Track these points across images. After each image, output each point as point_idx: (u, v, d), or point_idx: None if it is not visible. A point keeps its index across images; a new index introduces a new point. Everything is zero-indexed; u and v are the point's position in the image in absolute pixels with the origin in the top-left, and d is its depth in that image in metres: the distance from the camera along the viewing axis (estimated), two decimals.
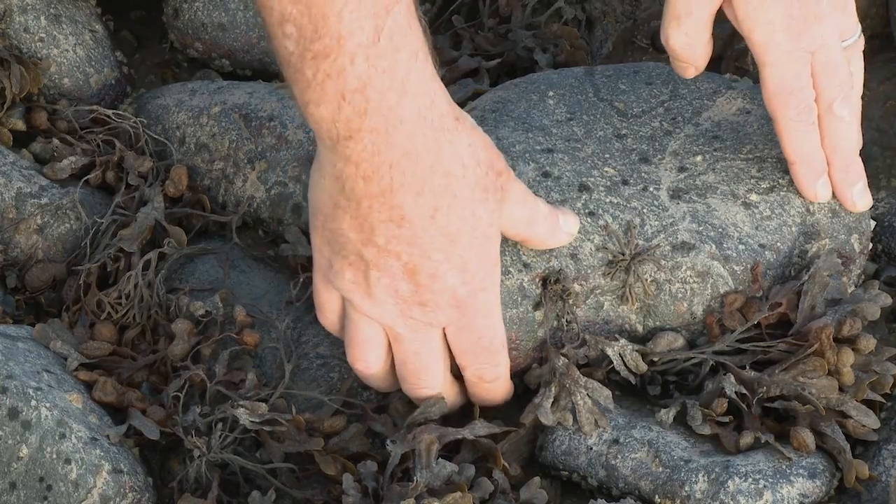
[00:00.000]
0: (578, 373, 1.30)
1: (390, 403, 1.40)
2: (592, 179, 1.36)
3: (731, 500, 1.28)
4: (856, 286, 1.41)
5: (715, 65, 1.74)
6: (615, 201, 1.35)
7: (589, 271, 1.31)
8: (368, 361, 1.30)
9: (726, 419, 1.32)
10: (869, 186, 1.42)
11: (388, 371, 1.33)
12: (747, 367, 1.32)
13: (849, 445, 1.30)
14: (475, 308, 1.25)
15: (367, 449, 1.36)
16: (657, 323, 1.33)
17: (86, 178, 1.58)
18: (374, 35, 1.12)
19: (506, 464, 1.33)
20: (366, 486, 1.30)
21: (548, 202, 1.31)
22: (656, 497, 1.31)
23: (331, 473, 1.32)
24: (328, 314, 1.32)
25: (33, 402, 1.33)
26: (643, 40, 1.78)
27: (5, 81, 1.61)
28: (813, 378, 1.29)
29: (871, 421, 1.31)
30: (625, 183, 1.36)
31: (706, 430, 1.30)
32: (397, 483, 1.30)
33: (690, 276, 1.33)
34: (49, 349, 1.42)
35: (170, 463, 1.39)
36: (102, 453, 1.32)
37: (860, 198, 1.39)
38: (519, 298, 1.31)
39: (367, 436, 1.37)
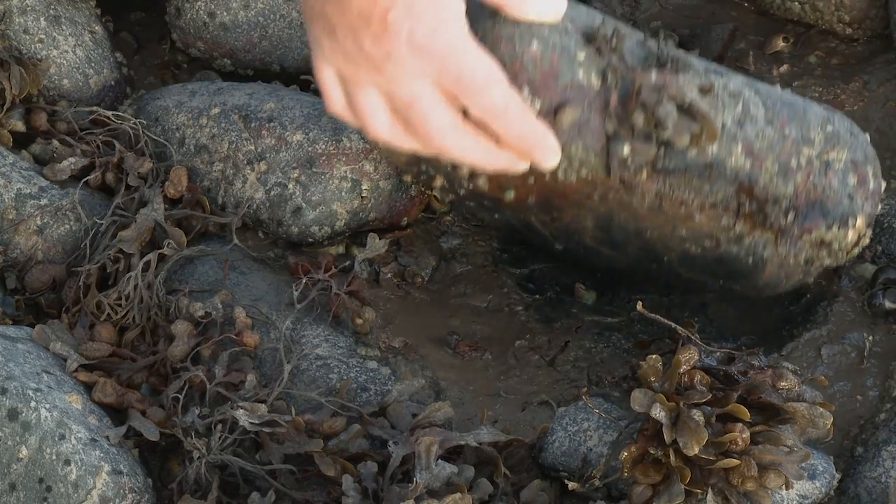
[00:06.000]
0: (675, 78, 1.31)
1: (388, 406, 1.40)
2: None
3: None
4: (867, 225, 1.43)
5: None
6: (650, 39, 1.37)
7: (629, 54, 1.32)
8: (380, 126, 1.27)
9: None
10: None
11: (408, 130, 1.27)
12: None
13: None
14: (439, 50, 1.22)
15: (366, 450, 1.36)
16: None
17: (85, 179, 1.58)
18: None
19: (506, 471, 1.33)
20: (366, 487, 1.30)
21: None
22: None
23: (330, 475, 1.33)
24: (331, 97, 1.29)
25: (33, 404, 1.33)
26: None
27: (5, 83, 1.61)
28: None
29: None
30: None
31: None
32: (397, 484, 1.30)
33: (723, 93, 1.35)
34: (49, 350, 1.42)
35: (169, 464, 1.39)
36: (102, 454, 1.32)
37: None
38: (563, 31, 1.32)
39: (367, 437, 1.37)
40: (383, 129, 1.25)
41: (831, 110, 1.43)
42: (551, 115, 1.31)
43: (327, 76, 1.26)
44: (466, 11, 1.25)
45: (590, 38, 1.31)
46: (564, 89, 1.31)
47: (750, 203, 1.36)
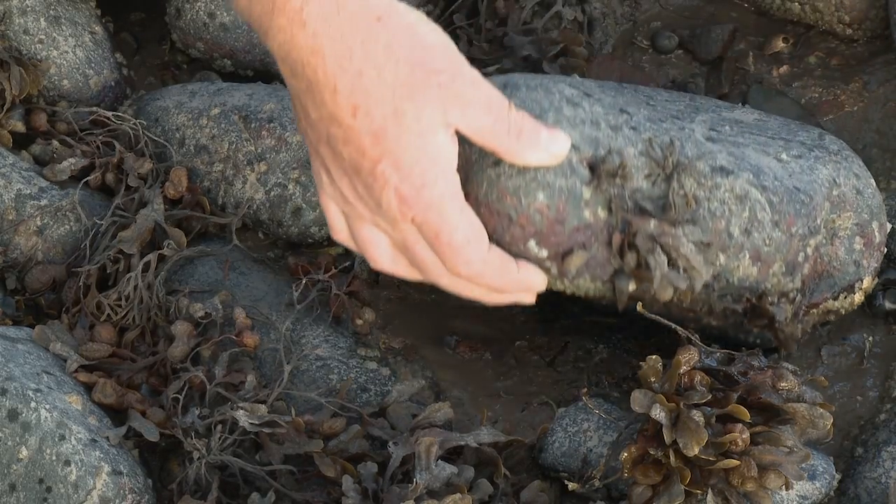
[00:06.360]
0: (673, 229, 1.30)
1: (388, 407, 1.40)
2: (632, 109, 1.36)
3: None
4: (872, 278, 1.42)
5: (716, 65, 1.74)
6: (655, 127, 1.35)
7: (633, 171, 1.30)
8: (382, 258, 1.30)
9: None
10: (875, 182, 1.43)
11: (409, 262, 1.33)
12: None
13: None
14: (423, 204, 1.24)
15: (366, 450, 1.36)
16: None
17: (85, 179, 1.58)
18: None
19: (506, 472, 1.33)
20: (365, 487, 1.30)
21: (533, 118, 1.29)
22: None
23: (330, 475, 1.33)
24: (335, 227, 1.32)
25: (33, 404, 1.33)
26: (643, 41, 1.78)
27: (5, 83, 1.61)
28: None
29: None
30: (661, 121, 1.37)
31: None
32: (397, 485, 1.30)
33: (729, 197, 1.33)
34: (49, 351, 1.42)
35: (169, 465, 1.39)
36: (102, 455, 1.32)
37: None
38: (569, 171, 1.30)
39: (367, 437, 1.37)
40: (386, 261, 1.29)
41: (837, 158, 1.41)
42: (559, 259, 1.31)
43: (330, 208, 1.29)
44: (469, 159, 1.26)
45: (595, 167, 1.30)
46: (572, 234, 1.30)
47: (757, 307, 1.36)
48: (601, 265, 1.31)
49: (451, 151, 1.23)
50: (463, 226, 1.25)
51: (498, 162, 1.29)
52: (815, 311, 1.40)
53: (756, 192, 1.33)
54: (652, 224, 1.29)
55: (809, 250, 1.36)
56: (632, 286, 1.31)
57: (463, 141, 1.24)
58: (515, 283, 1.30)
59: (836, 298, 1.41)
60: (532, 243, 1.30)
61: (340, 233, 1.31)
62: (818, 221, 1.37)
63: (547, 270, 1.31)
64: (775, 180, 1.35)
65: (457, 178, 1.24)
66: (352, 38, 1.19)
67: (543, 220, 1.29)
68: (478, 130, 1.24)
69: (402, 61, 1.20)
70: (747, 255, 1.34)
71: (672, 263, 1.30)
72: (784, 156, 1.39)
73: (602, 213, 1.30)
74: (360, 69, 1.19)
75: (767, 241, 1.34)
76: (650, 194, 1.31)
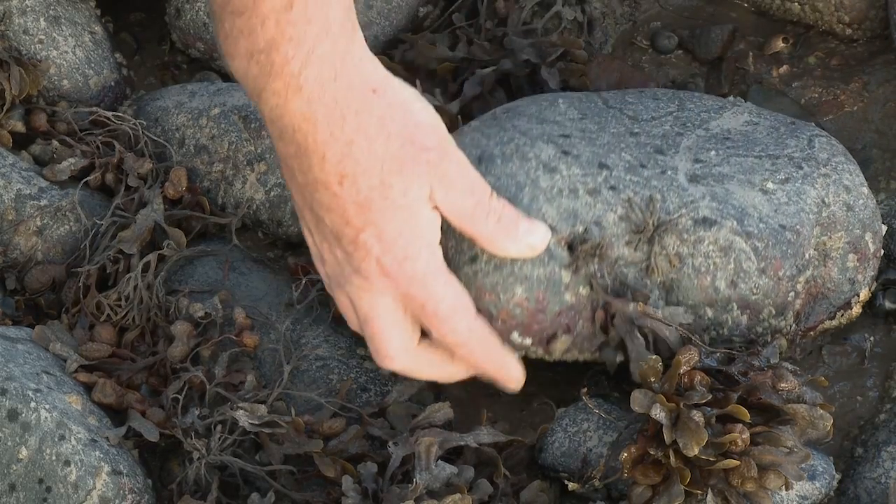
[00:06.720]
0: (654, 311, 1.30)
1: (388, 407, 1.40)
2: (611, 160, 1.36)
3: None
4: (869, 289, 1.43)
5: (716, 65, 1.74)
6: (635, 179, 1.34)
7: (613, 240, 1.31)
8: (353, 324, 1.32)
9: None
10: (868, 188, 1.43)
11: None
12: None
13: None
14: (406, 277, 1.24)
15: (366, 451, 1.36)
16: (680, 298, 1.33)
17: (85, 179, 1.58)
18: (289, 2, 1.15)
19: (506, 472, 1.33)
20: (365, 487, 1.30)
21: (515, 208, 1.29)
22: None
23: (330, 475, 1.33)
24: (326, 283, 1.33)
25: (33, 404, 1.33)
26: (643, 41, 1.78)
27: (5, 83, 1.61)
28: None
29: None
30: (643, 166, 1.36)
31: None
32: (397, 485, 1.30)
33: (713, 250, 1.33)
34: (48, 351, 1.42)
35: (169, 465, 1.39)
36: (102, 455, 1.32)
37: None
38: (546, 258, 1.30)
39: (367, 437, 1.37)
40: (357, 328, 1.31)
41: (827, 170, 1.41)
42: (544, 343, 1.32)
43: (319, 267, 1.31)
44: (446, 255, 1.27)
45: (574, 247, 1.31)
46: (554, 319, 1.31)
47: (749, 350, 1.36)
48: (587, 339, 1.33)
49: (436, 226, 1.25)
50: (449, 296, 1.26)
51: (474, 258, 1.30)
52: (812, 333, 1.40)
53: (740, 240, 1.33)
54: (630, 307, 1.30)
55: (800, 287, 1.36)
56: (619, 357, 1.32)
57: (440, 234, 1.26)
58: (496, 360, 1.31)
59: (832, 318, 1.41)
60: (515, 335, 1.32)
61: (327, 286, 1.32)
62: (807, 256, 1.37)
63: (533, 353, 1.33)
64: (760, 222, 1.35)
65: (440, 251, 1.25)
66: (346, 107, 1.19)
67: (524, 312, 1.30)
68: (457, 212, 1.25)
69: (393, 135, 1.21)
70: (735, 307, 1.34)
71: (649, 346, 1.31)
72: (770, 184, 1.38)
73: (584, 291, 1.31)
74: (351, 138, 1.20)
75: (755, 290, 1.34)
76: (633, 259, 1.31)
